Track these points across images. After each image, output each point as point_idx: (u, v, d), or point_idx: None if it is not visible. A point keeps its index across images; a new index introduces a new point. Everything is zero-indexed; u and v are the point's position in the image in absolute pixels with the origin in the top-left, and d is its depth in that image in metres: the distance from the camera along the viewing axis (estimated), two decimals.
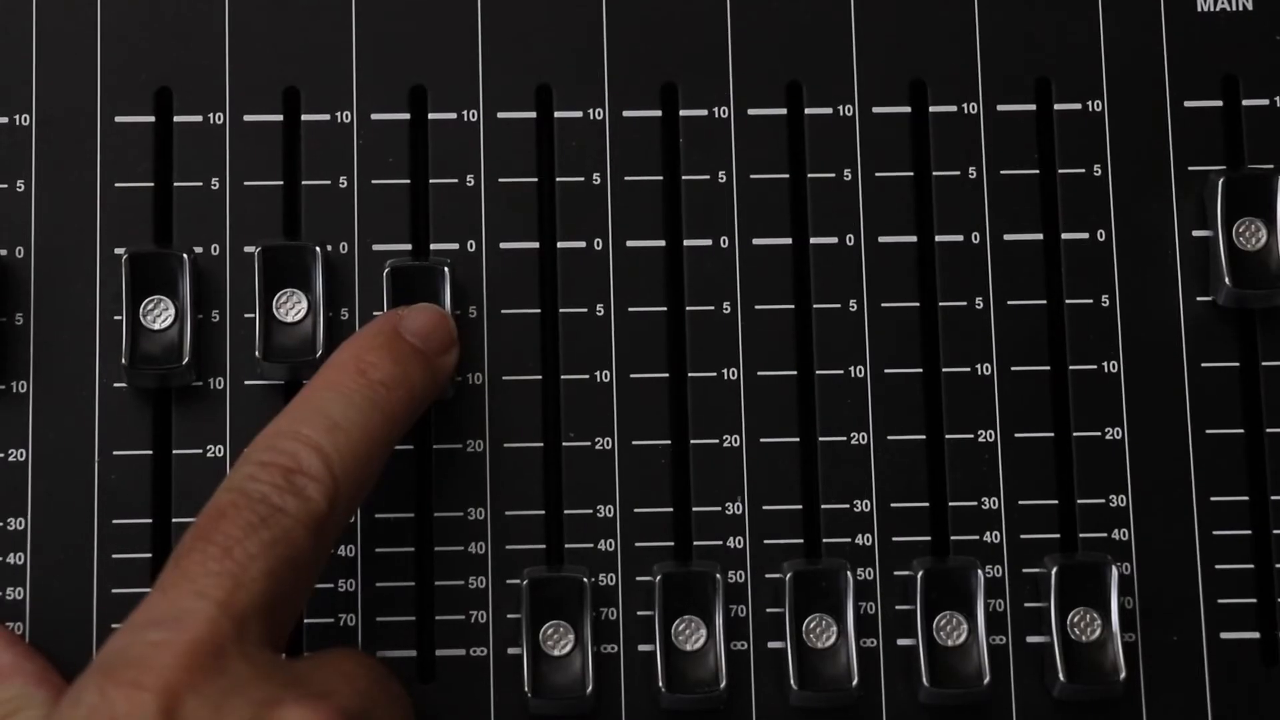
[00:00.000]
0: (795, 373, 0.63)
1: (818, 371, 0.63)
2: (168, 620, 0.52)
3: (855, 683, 0.61)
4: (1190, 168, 0.64)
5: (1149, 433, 0.63)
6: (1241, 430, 0.63)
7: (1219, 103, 0.64)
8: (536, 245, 0.63)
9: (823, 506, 0.62)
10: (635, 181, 0.64)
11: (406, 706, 0.58)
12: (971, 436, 0.63)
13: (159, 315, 0.62)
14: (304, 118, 0.64)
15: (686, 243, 0.64)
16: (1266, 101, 0.64)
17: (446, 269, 0.62)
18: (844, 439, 0.63)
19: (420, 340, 0.60)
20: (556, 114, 0.64)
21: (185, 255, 0.62)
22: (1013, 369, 0.63)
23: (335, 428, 0.57)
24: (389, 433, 0.58)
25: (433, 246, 0.63)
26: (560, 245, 0.63)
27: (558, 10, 0.65)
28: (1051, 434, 0.63)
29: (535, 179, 0.64)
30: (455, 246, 0.63)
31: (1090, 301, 0.63)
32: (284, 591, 0.54)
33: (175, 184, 0.63)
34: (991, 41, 0.65)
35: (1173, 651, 0.62)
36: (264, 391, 0.62)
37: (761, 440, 0.63)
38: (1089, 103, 0.64)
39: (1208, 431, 0.63)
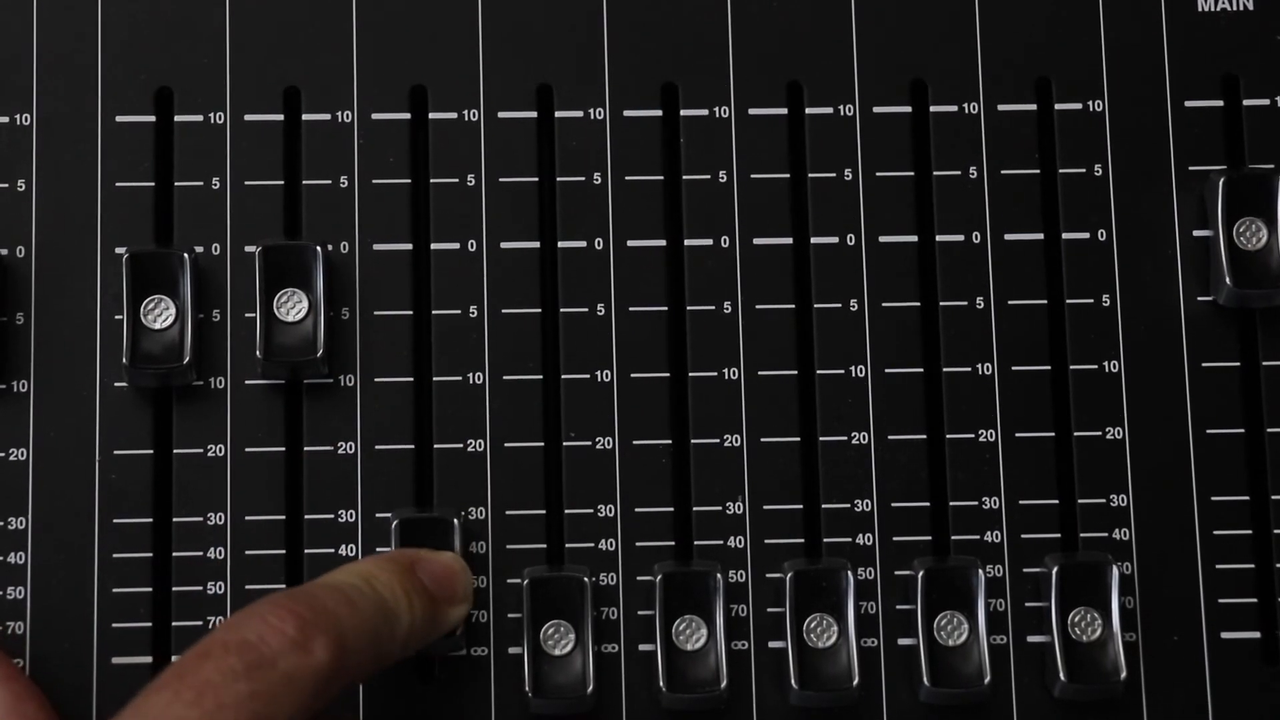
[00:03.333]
0: (795, 373, 0.63)
1: (818, 371, 0.63)
2: None
3: (856, 682, 0.61)
4: (1190, 168, 0.64)
5: (1149, 433, 0.63)
6: (1241, 430, 0.63)
7: (1219, 103, 0.64)
8: (536, 245, 0.63)
9: (823, 506, 0.62)
10: (635, 181, 0.64)
11: None
12: (972, 436, 0.63)
13: (159, 315, 0.62)
14: (304, 118, 0.64)
15: (687, 243, 0.64)
16: (1266, 101, 0.64)
17: (456, 521, 0.61)
18: (844, 439, 0.63)
19: (431, 582, 0.59)
20: (556, 114, 0.64)
21: (186, 255, 0.62)
22: (1013, 369, 0.63)
23: (351, 604, 0.55)
24: (388, 644, 0.56)
25: (433, 246, 0.63)
26: (560, 245, 0.63)
27: (558, 10, 0.65)
28: (1052, 434, 0.63)
29: (535, 179, 0.64)
30: (455, 246, 0.63)
31: (1090, 301, 0.64)
32: None
33: (175, 184, 0.63)
34: (991, 41, 0.65)
35: (1173, 651, 0.62)
36: (264, 391, 0.62)
37: (762, 440, 0.63)
38: (1089, 103, 0.64)
39: (1208, 431, 0.63)
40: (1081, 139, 0.64)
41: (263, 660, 0.52)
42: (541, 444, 0.62)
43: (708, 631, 0.61)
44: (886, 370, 0.63)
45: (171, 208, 0.63)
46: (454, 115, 0.64)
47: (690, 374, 0.63)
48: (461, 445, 0.62)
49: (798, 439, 0.63)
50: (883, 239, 0.64)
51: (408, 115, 0.64)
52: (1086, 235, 0.64)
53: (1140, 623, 0.62)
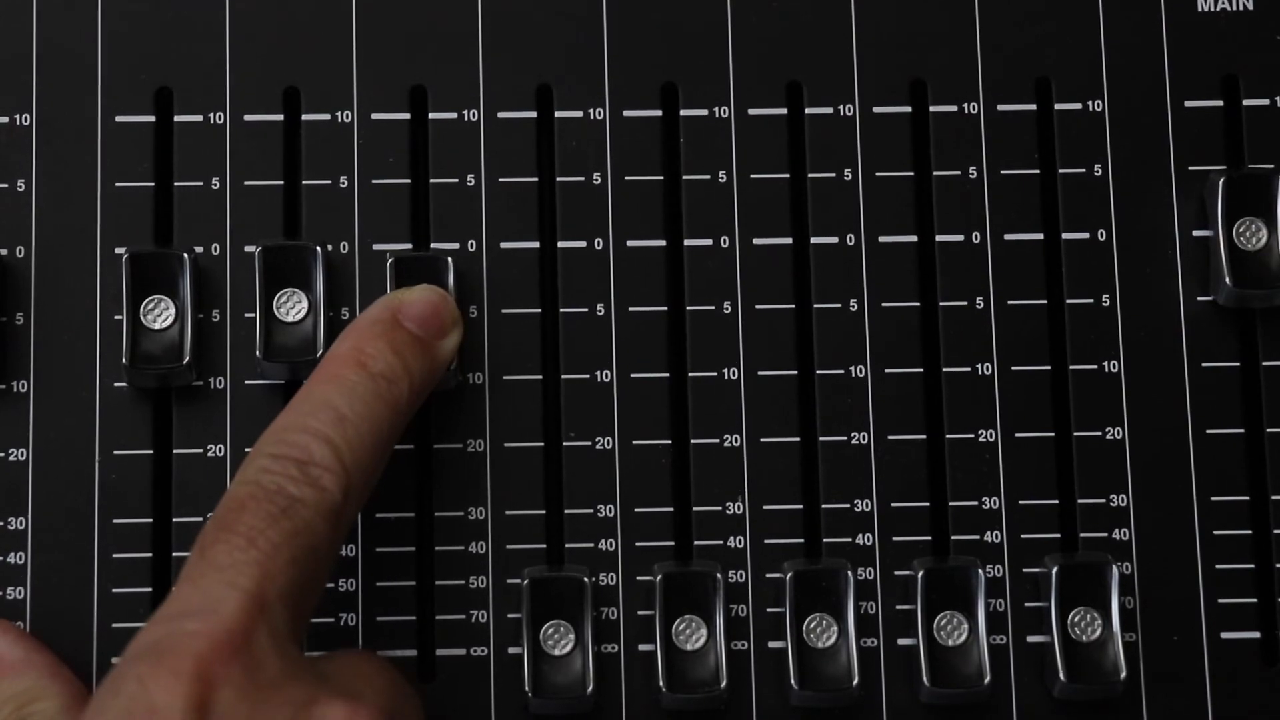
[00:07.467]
0: (795, 373, 0.63)
1: (818, 371, 0.63)
2: (201, 610, 0.52)
3: (855, 682, 0.61)
4: (1190, 168, 0.64)
5: (1149, 433, 0.63)
6: (1241, 430, 0.63)
7: (1219, 103, 0.64)
8: (536, 245, 0.63)
9: (823, 506, 0.62)
10: (635, 181, 0.64)
11: (420, 709, 0.58)
12: (971, 436, 0.63)
13: (159, 315, 0.62)
14: (304, 118, 0.64)
15: (686, 243, 0.64)
16: (1266, 101, 0.64)
17: (450, 259, 0.62)
18: (844, 439, 0.63)
19: (419, 325, 0.60)
20: (556, 114, 0.64)
21: (185, 255, 0.62)
22: (1013, 369, 0.63)
23: (342, 419, 0.57)
24: (393, 422, 0.58)
25: (433, 246, 0.63)
26: (560, 245, 0.63)
27: (558, 10, 0.65)
28: (1052, 434, 0.63)
29: (535, 179, 0.64)
30: (455, 246, 0.63)
31: (1090, 301, 0.64)
32: (307, 581, 0.54)
33: (175, 184, 0.63)
34: (991, 41, 0.65)
35: (1173, 651, 0.62)
36: (264, 391, 0.62)
37: (761, 440, 0.63)
38: (1089, 103, 0.64)
39: (1208, 431, 0.63)
40: (1081, 139, 0.64)
41: (292, 500, 0.55)
42: (541, 444, 0.62)
43: (707, 631, 0.61)
44: (886, 370, 0.63)
45: (171, 208, 0.63)
46: (454, 115, 0.64)
47: (690, 374, 0.63)
48: (461, 445, 0.62)
49: (798, 439, 0.63)
50: (883, 239, 0.64)
51: (408, 115, 0.64)
52: (1086, 235, 0.64)
53: (1140, 623, 0.62)
